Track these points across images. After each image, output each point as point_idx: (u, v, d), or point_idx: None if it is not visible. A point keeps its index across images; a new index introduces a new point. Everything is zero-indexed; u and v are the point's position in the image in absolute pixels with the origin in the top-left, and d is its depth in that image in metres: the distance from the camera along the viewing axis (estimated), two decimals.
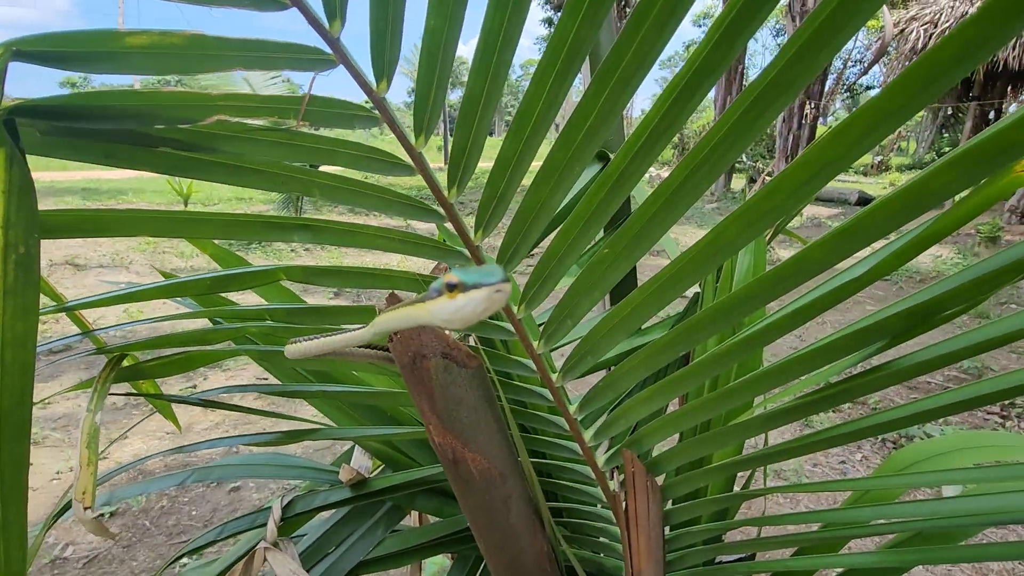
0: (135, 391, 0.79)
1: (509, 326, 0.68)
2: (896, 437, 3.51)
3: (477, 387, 0.68)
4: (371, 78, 0.52)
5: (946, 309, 0.54)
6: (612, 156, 0.96)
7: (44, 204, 0.50)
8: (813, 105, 12.88)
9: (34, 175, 0.48)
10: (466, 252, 0.63)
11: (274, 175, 0.57)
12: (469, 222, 0.63)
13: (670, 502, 0.87)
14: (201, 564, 0.93)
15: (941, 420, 3.62)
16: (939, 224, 0.47)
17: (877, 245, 0.54)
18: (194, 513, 3.06)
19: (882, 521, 0.76)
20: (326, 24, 0.49)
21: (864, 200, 15.05)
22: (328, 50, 0.49)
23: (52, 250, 7.22)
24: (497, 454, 0.72)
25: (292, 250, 8.30)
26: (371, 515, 0.95)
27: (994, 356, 4.65)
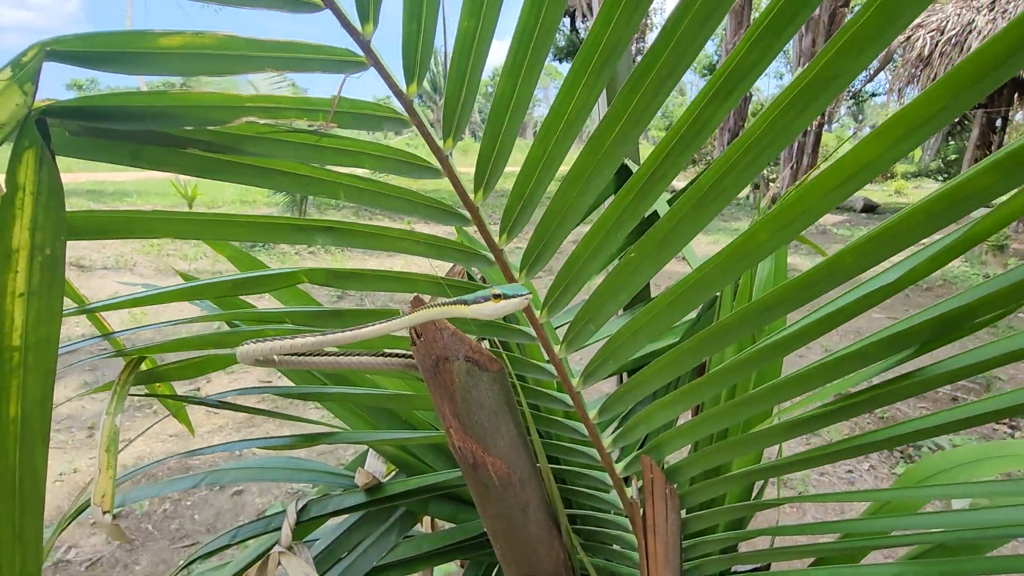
0: (150, 392, 0.79)
1: (530, 330, 0.68)
2: (904, 447, 3.49)
3: (498, 391, 0.67)
4: (401, 80, 0.52)
5: (978, 316, 0.54)
6: (632, 168, 0.95)
7: None
8: None
9: None
10: (490, 256, 0.62)
11: (300, 177, 0.57)
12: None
13: (684, 511, 0.86)
14: (214, 567, 0.93)
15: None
16: (977, 228, 0.46)
17: (908, 250, 0.53)
18: (197, 517, 3.05)
19: (902, 533, 0.75)
20: (359, 26, 0.48)
21: (869, 207, 14.99)
22: (360, 52, 0.49)
23: None
24: (516, 459, 0.72)
25: (296, 253, 8.31)
26: (384, 520, 0.95)
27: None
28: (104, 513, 0.60)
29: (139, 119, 0.49)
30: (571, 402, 0.75)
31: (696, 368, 1.05)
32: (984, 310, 0.52)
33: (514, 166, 0.58)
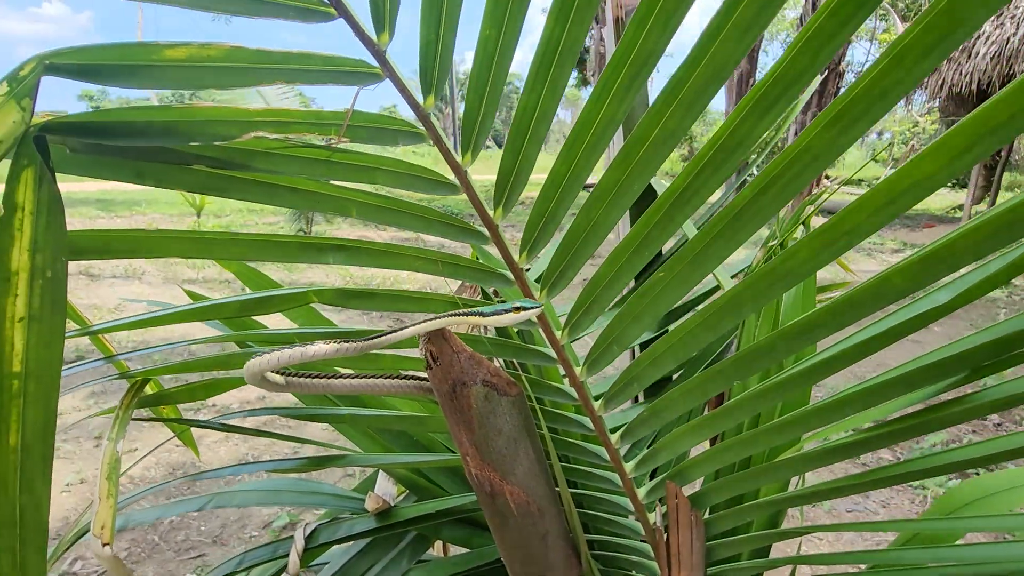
0: (155, 416, 0.76)
1: (550, 351, 0.64)
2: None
3: (517, 416, 0.64)
4: (417, 92, 0.49)
5: None
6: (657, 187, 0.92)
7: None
8: None
9: None
10: (509, 275, 0.59)
11: (309, 194, 0.54)
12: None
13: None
14: None
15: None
16: None
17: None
18: (203, 528, 3.02)
19: (936, 564, 0.71)
20: (374, 36, 0.46)
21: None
22: (375, 63, 0.46)
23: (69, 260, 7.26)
24: (536, 487, 0.68)
25: (307, 266, 8.30)
26: (395, 545, 0.91)
27: None
28: (104, 546, 0.58)
29: (143, 135, 0.46)
30: (592, 426, 0.71)
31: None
32: None
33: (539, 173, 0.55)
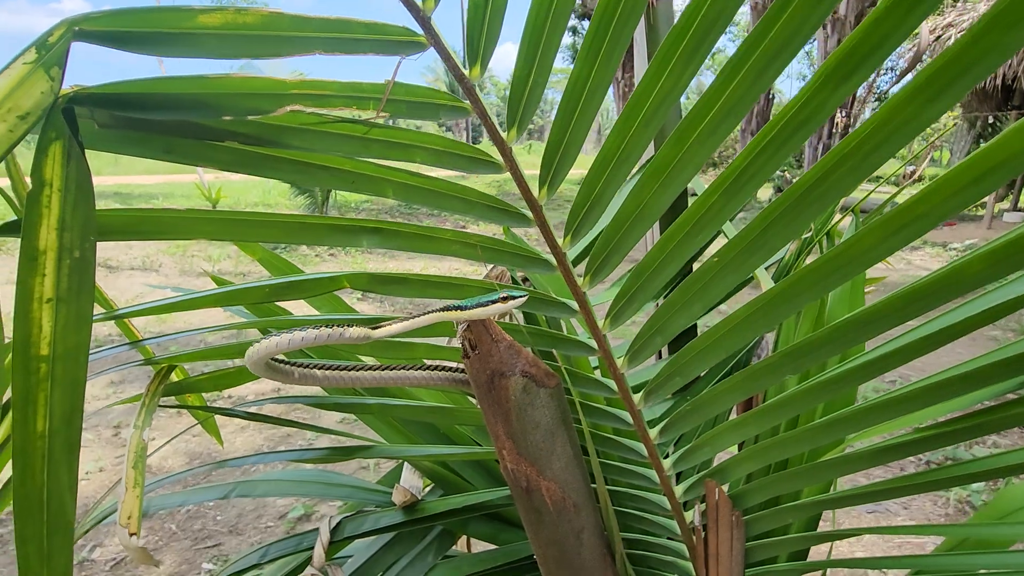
0: (180, 404, 0.75)
1: (591, 341, 0.61)
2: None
3: (555, 408, 0.61)
4: (463, 62, 0.46)
5: None
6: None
7: None
8: (844, 113, 12.57)
9: None
10: (551, 259, 0.57)
11: (345, 173, 0.52)
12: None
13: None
14: None
15: None
16: None
17: None
18: (219, 518, 3.05)
19: (986, 572, 0.67)
20: (419, 1, 0.43)
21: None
22: (419, 30, 0.44)
23: None
24: (571, 482, 0.66)
25: (316, 255, 8.35)
26: (420, 539, 0.89)
27: None
28: (131, 536, 0.56)
29: (175, 108, 0.44)
30: (630, 420, 0.68)
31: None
32: None
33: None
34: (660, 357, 1.08)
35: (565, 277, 0.56)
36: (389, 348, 0.68)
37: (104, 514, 0.80)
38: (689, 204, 0.49)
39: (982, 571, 0.70)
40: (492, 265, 0.75)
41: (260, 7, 0.40)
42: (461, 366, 0.63)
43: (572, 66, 0.44)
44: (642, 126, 0.45)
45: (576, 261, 0.71)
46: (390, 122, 0.50)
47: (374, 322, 0.58)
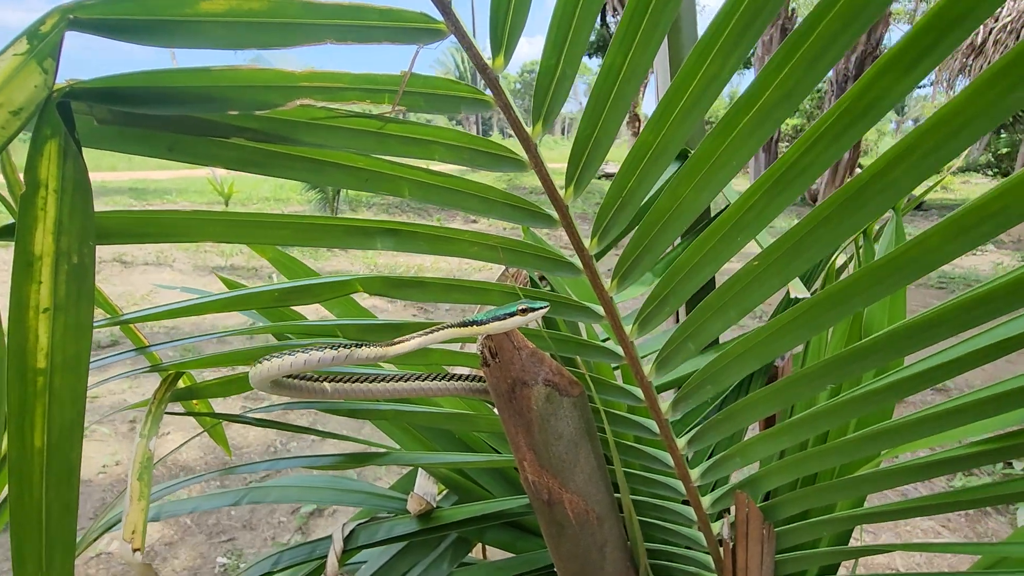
0: (187, 411, 0.72)
1: (618, 349, 0.58)
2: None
3: (578, 418, 0.58)
4: (486, 51, 0.43)
5: None
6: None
7: (96, 205, 0.43)
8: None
9: None
10: (577, 262, 0.53)
11: (358, 170, 0.48)
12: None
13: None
14: None
15: None
16: None
17: None
18: (233, 513, 3.06)
19: None
20: None
21: (915, 205, 14.26)
22: (439, 17, 0.40)
23: (100, 246, 7.43)
24: (595, 494, 0.63)
25: (330, 251, 8.35)
26: (435, 546, 0.87)
27: None
28: (134, 551, 0.54)
29: (178, 102, 0.41)
30: (656, 429, 0.65)
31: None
32: None
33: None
34: None
35: (591, 281, 0.53)
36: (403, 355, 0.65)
37: (111, 524, 0.78)
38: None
39: None
40: (506, 267, 0.72)
41: None
42: (479, 374, 0.60)
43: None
44: (681, 117, 0.41)
45: (597, 257, 0.68)
46: (404, 116, 0.47)
47: (388, 329, 0.56)
